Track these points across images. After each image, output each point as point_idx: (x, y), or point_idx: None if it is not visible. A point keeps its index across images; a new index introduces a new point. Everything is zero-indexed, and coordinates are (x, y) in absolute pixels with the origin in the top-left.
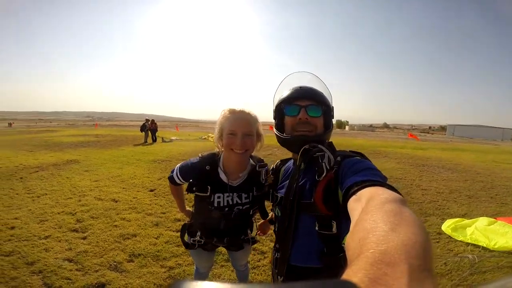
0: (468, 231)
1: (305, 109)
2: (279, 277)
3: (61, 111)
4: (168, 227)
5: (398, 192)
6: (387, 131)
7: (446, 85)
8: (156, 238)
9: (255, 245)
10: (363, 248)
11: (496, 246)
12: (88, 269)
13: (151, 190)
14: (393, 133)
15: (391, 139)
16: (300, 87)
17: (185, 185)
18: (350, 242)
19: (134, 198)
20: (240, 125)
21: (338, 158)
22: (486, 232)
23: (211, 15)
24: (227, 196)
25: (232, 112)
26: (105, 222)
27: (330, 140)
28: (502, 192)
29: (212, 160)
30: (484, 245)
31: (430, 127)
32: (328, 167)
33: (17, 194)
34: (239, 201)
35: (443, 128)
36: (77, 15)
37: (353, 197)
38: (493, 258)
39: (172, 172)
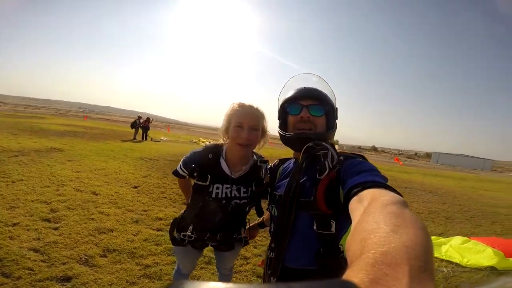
0: (443, 248)
1: (307, 108)
2: (272, 278)
3: (53, 100)
4: (148, 225)
5: (399, 194)
6: (375, 154)
7: (436, 114)
8: (134, 235)
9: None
10: (364, 249)
11: (468, 263)
12: (55, 261)
13: (135, 187)
14: (380, 156)
15: (378, 162)
16: (304, 87)
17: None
18: (351, 243)
19: (115, 193)
20: (247, 118)
21: (341, 158)
22: (460, 250)
23: (211, 15)
24: (226, 188)
25: (241, 105)
26: (81, 214)
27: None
28: (478, 215)
29: (215, 149)
30: (457, 262)
31: (416, 153)
32: (330, 166)
33: None
34: (237, 195)
35: (428, 155)
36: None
37: (355, 197)
38: (465, 274)
39: (178, 166)
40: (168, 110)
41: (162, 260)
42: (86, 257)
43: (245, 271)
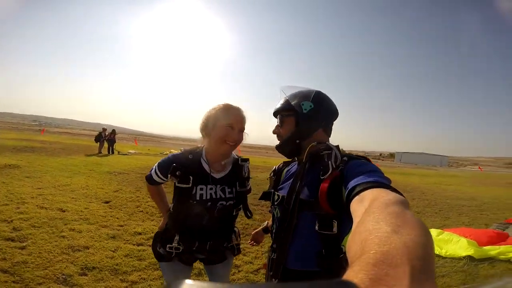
0: None
1: (278, 122)
2: (273, 279)
3: (2, 112)
4: (127, 240)
5: (401, 195)
6: None
7: (394, 114)
8: (113, 251)
9: None
10: (365, 249)
11: (447, 254)
12: (29, 282)
13: (106, 202)
14: None
15: None
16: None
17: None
18: (352, 243)
19: (85, 208)
20: (239, 121)
21: (345, 158)
22: (436, 241)
23: (178, 23)
24: (210, 189)
25: (230, 106)
26: (49, 232)
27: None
28: (445, 208)
29: (194, 151)
30: (437, 253)
31: (380, 154)
32: (334, 166)
33: None
34: (222, 195)
35: (392, 155)
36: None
37: (356, 197)
38: (447, 264)
39: (151, 170)
40: (135, 122)
41: (148, 275)
42: (63, 277)
43: (237, 279)
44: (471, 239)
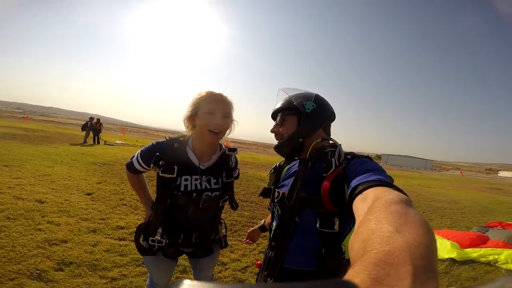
0: None
1: (276, 122)
2: (268, 279)
3: None
4: (109, 235)
5: (404, 194)
6: None
7: (382, 116)
8: (93, 246)
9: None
10: (367, 248)
11: None
12: (0, 277)
13: (88, 194)
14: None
15: None
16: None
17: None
18: (354, 242)
19: (66, 200)
20: (220, 105)
21: (348, 156)
22: None
23: (168, 12)
24: (195, 180)
25: (211, 93)
26: (25, 225)
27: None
28: (428, 210)
29: (180, 140)
30: None
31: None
32: (337, 163)
33: None
34: (208, 186)
35: (378, 157)
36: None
37: (359, 196)
38: None
39: (132, 158)
40: (123, 113)
41: (130, 272)
42: (38, 272)
43: (224, 278)
44: (453, 241)
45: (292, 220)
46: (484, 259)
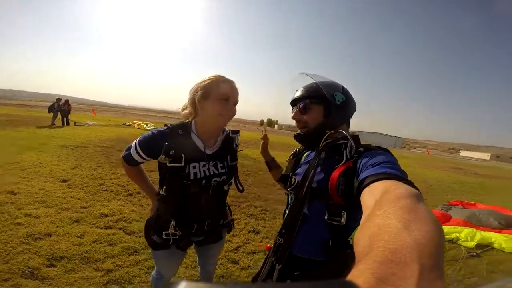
0: None
1: (297, 108)
2: (277, 264)
3: None
4: (94, 224)
5: (415, 187)
6: None
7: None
8: (80, 237)
9: None
10: (373, 245)
11: None
12: None
13: (64, 181)
14: None
15: None
16: (297, 90)
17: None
18: (360, 237)
19: (40, 189)
20: (234, 93)
21: (361, 149)
22: None
23: None
24: (203, 166)
25: (224, 78)
26: (1, 220)
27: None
28: None
29: (183, 126)
30: None
31: None
32: (348, 156)
33: None
34: (215, 171)
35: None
36: None
37: (367, 189)
38: None
39: (128, 149)
40: (94, 93)
41: (124, 262)
42: (29, 270)
43: (218, 259)
44: None
45: (302, 210)
46: (447, 236)
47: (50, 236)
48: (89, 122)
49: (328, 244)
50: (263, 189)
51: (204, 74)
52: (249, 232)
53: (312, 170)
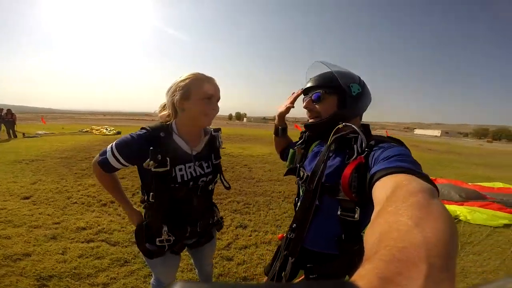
0: None
1: (309, 97)
2: (290, 258)
3: None
4: (73, 239)
5: (429, 181)
6: (271, 123)
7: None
8: (62, 254)
9: None
10: (381, 244)
11: None
12: None
13: (26, 198)
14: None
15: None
16: (311, 79)
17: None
18: (370, 234)
19: (2, 209)
20: (217, 91)
21: (372, 142)
22: None
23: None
24: (189, 167)
25: (205, 76)
26: None
27: (363, 122)
28: None
29: (164, 128)
30: None
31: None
32: (359, 150)
33: None
34: (201, 172)
35: None
36: None
37: (377, 183)
38: None
39: (103, 154)
40: (38, 99)
41: (117, 274)
42: None
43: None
44: None
45: (313, 205)
46: None
47: (30, 256)
48: (39, 132)
49: (340, 238)
50: (242, 183)
51: (167, 69)
52: (236, 227)
53: (322, 165)
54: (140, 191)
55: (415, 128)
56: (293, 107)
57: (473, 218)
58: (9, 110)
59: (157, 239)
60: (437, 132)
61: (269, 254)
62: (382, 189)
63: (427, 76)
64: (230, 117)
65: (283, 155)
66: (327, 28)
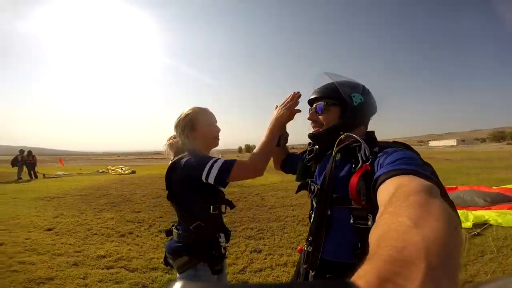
0: None
1: (313, 109)
2: (310, 271)
3: None
4: (93, 265)
5: (432, 180)
6: None
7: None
8: (83, 279)
9: None
10: (381, 244)
11: None
12: None
13: (49, 229)
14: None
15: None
16: (315, 90)
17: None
18: (372, 236)
19: (27, 239)
20: (214, 117)
21: (376, 149)
22: None
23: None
24: None
25: (204, 108)
26: None
27: (370, 130)
28: None
29: (187, 155)
30: None
31: None
32: (364, 158)
33: None
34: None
35: None
36: None
37: (381, 186)
38: None
39: (228, 163)
40: (55, 141)
41: None
42: None
43: (228, 282)
44: None
45: (325, 217)
46: None
47: (53, 280)
48: (58, 173)
49: (356, 246)
50: (255, 211)
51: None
52: (251, 252)
53: (328, 177)
54: (180, 224)
55: (429, 140)
56: (299, 111)
57: (504, 221)
58: (29, 152)
59: (221, 247)
60: (453, 142)
61: (285, 276)
62: (385, 191)
63: (430, 85)
64: (240, 150)
65: (285, 167)
66: (338, 59)
